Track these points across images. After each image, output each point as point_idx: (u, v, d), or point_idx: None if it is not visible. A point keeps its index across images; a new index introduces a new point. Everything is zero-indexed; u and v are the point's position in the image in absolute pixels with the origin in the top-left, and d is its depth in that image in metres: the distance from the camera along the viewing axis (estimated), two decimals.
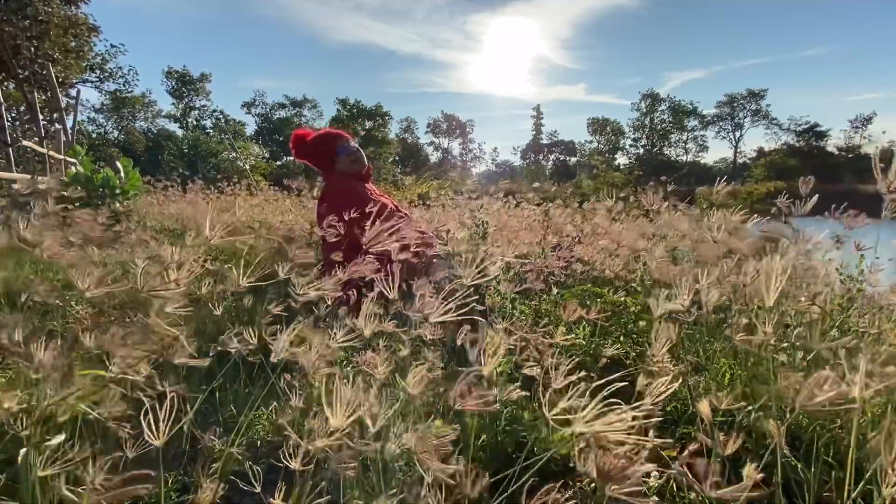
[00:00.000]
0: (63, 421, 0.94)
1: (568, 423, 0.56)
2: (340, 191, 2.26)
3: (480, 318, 1.61)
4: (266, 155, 47.09)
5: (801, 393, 0.54)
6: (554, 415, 0.59)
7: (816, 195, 1.25)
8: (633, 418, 0.52)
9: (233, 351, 0.92)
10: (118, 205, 5.17)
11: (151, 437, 0.60)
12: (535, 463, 0.73)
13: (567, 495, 0.60)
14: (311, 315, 1.05)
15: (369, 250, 1.14)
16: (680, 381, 1.37)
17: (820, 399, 0.53)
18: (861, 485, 0.80)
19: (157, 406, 0.67)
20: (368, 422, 0.66)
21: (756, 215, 1.46)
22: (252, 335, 0.94)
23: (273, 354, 0.81)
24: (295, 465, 0.71)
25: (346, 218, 1.54)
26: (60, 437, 0.75)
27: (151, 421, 0.63)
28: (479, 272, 0.84)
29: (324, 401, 0.62)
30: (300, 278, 0.91)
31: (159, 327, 0.78)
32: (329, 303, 1.08)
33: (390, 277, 0.96)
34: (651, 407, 0.62)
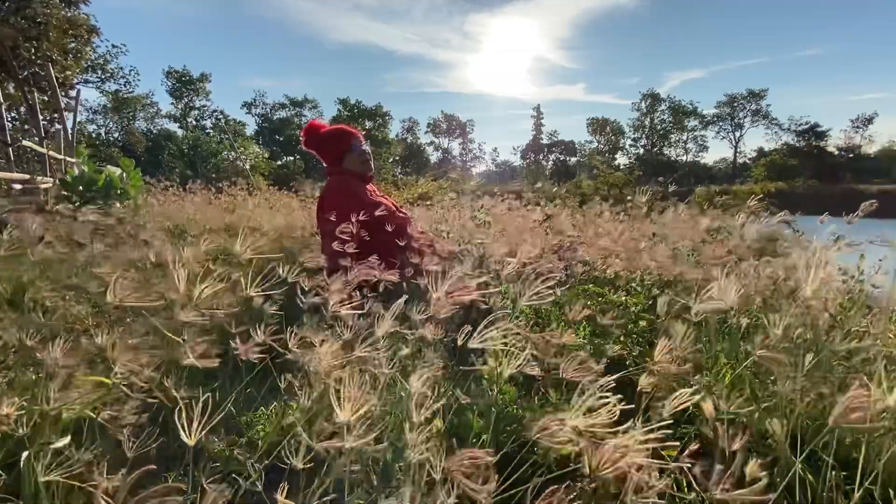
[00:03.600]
0: (65, 422, 0.94)
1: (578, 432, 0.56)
2: (342, 191, 2.27)
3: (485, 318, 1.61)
4: (266, 155, 47.08)
5: (835, 409, 0.54)
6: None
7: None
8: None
9: (236, 352, 0.92)
10: (119, 205, 5.17)
11: (186, 437, 0.60)
12: (535, 463, 0.73)
13: (570, 496, 0.60)
14: (317, 315, 1.05)
15: (371, 250, 1.14)
16: (680, 381, 1.37)
17: (856, 416, 0.54)
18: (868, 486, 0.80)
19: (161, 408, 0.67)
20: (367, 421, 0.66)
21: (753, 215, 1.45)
22: (259, 336, 0.94)
23: (291, 354, 0.82)
24: (297, 463, 0.71)
25: (348, 219, 1.54)
26: (65, 440, 0.75)
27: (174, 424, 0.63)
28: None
29: (327, 400, 0.63)
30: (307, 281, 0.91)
31: (166, 329, 0.78)
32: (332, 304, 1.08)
33: (392, 277, 0.97)
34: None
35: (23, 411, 0.78)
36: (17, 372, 1.26)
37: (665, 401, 0.69)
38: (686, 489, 1.10)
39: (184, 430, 0.61)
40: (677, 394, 0.64)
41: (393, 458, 0.97)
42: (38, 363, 0.97)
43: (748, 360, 1.43)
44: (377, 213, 1.86)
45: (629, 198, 2.93)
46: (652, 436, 0.52)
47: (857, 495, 0.76)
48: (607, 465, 0.53)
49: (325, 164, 2.45)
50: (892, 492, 0.86)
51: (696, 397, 0.64)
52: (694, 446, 0.94)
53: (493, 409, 1.36)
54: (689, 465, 0.71)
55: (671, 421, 1.42)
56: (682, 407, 0.66)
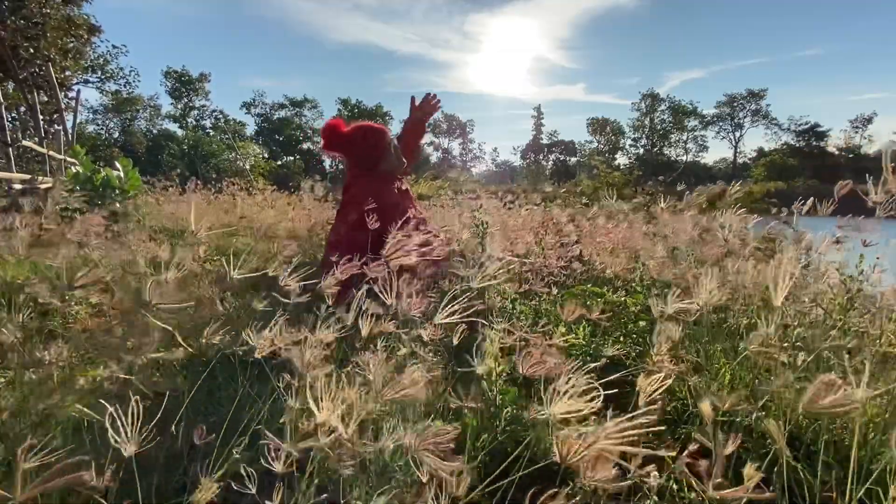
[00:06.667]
0: (62, 420, 0.94)
1: (566, 422, 0.56)
2: (375, 194, 2.09)
3: (480, 319, 1.60)
4: (265, 155, 47.16)
5: (803, 395, 0.53)
6: (557, 419, 0.59)
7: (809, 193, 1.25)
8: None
9: (233, 351, 0.92)
10: (117, 205, 5.17)
11: (123, 440, 0.60)
12: (536, 463, 0.73)
13: (565, 493, 0.60)
14: (311, 315, 1.05)
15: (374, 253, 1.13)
16: (680, 381, 1.37)
17: (825, 402, 0.53)
18: (864, 485, 0.79)
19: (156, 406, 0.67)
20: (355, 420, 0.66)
21: (755, 215, 1.45)
22: (250, 335, 0.94)
23: (257, 351, 0.82)
24: (279, 468, 0.71)
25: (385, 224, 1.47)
26: (60, 439, 0.75)
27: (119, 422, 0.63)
28: (484, 275, 0.84)
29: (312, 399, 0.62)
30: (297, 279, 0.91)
31: (157, 327, 0.78)
32: (329, 303, 1.08)
33: (393, 278, 0.96)
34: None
35: (19, 403, 0.78)
36: (17, 371, 1.25)
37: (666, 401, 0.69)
38: (686, 489, 1.09)
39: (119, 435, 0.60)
40: (651, 378, 0.63)
41: (392, 458, 0.97)
42: (37, 362, 0.96)
43: (745, 358, 1.43)
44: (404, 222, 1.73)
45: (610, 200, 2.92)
46: (629, 424, 0.52)
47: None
48: (577, 454, 0.53)
49: (349, 164, 2.29)
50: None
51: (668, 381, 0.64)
52: (693, 446, 0.94)
53: (492, 409, 1.36)
54: (688, 464, 0.71)
55: (671, 420, 1.41)
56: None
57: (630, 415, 0.54)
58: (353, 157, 2.28)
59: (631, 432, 0.52)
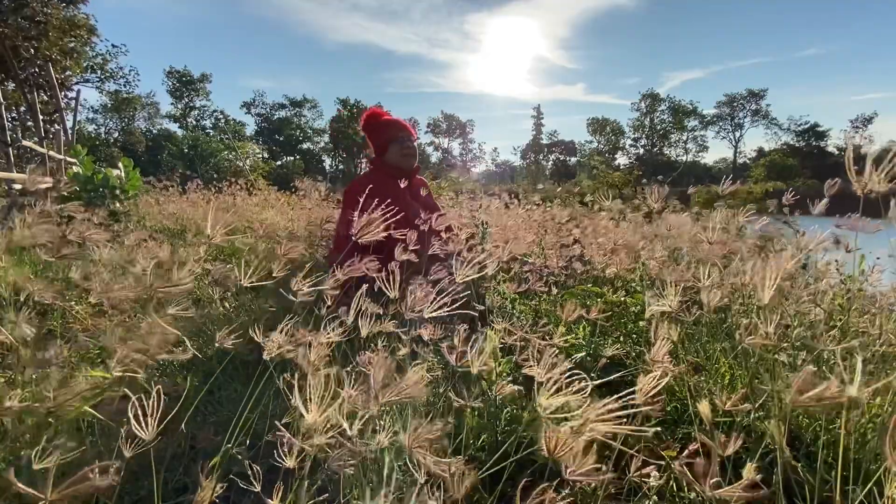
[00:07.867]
0: (65, 421, 0.94)
1: (566, 422, 0.56)
2: (374, 186, 2.16)
3: (478, 317, 1.60)
4: (265, 155, 47.19)
5: (789, 390, 0.54)
6: (549, 414, 0.59)
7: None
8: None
9: (231, 350, 0.92)
10: (118, 204, 5.18)
11: (142, 431, 0.60)
12: (535, 462, 0.73)
13: (564, 494, 0.60)
14: (311, 315, 1.05)
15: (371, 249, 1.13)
16: (680, 381, 1.37)
17: (809, 395, 0.53)
18: (866, 486, 0.80)
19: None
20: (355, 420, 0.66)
21: (755, 214, 1.46)
22: (256, 334, 0.94)
23: (266, 353, 0.82)
24: (290, 463, 0.71)
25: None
26: (62, 439, 0.75)
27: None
28: (475, 270, 0.84)
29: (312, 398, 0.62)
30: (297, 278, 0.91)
31: (158, 327, 0.78)
32: (329, 303, 1.08)
33: (391, 277, 0.96)
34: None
35: (25, 403, 0.78)
36: (17, 371, 1.25)
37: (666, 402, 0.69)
38: (686, 489, 1.09)
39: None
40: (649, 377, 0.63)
41: (393, 457, 0.97)
42: (39, 362, 0.96)
43: (745, 358, 1.43)
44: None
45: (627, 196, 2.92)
46: (614, 405, 0.51)
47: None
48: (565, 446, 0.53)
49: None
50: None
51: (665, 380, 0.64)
52: (693, 446, 0.94)
53: (492, 408, 1.36)
54: (688, 464, 0.71)
55: (672, 420, 1.42)
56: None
57: (617, 395, 0.54)
58: (372, 143, 2.39)
59: (620, 413, 0.51)
